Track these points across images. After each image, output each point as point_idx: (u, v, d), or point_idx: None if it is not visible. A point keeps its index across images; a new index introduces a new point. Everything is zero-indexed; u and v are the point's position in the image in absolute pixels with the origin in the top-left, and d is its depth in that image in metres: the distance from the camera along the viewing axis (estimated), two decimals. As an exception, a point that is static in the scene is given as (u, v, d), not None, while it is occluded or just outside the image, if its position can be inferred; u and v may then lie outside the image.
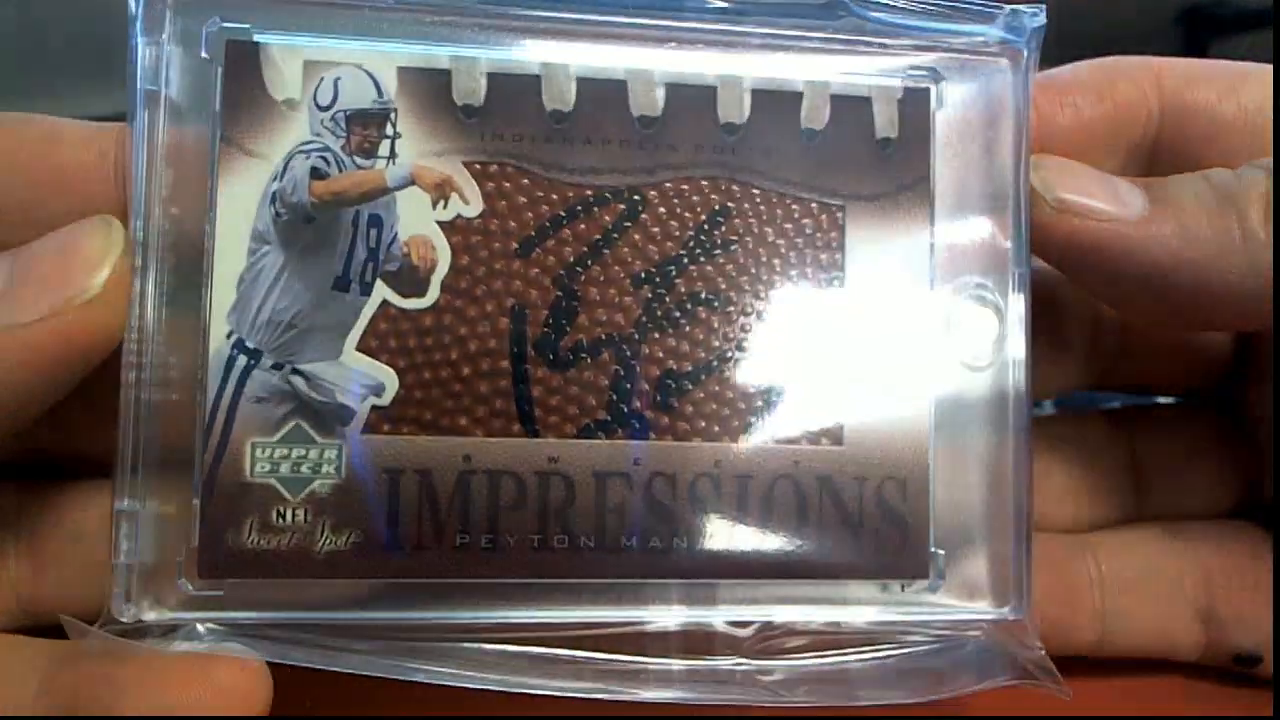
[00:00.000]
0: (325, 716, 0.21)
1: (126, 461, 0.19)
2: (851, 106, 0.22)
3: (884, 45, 0.22)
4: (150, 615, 0.19)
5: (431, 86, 0.21)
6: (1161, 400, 0.28)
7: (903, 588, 0.21)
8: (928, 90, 0.22)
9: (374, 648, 0.20)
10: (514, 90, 0.21)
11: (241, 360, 0.20)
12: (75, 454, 0.21)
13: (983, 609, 0.22)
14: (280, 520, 0.20)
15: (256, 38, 0.20)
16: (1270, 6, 0.46)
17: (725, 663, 0.21)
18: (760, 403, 0.21)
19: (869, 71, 0.22)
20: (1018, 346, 0.22)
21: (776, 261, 0.21)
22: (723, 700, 0.21)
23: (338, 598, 0.20)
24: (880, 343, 0.22)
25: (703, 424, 0.21)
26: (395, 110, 0.20)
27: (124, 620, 0.19)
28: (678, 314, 0.21)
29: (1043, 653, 0.21)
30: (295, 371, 0.20)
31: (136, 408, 0.19)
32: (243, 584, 0.20)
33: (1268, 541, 0.24)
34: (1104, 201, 0.21)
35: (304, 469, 0.20)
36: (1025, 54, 0.22)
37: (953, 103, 0.22)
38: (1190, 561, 0.24)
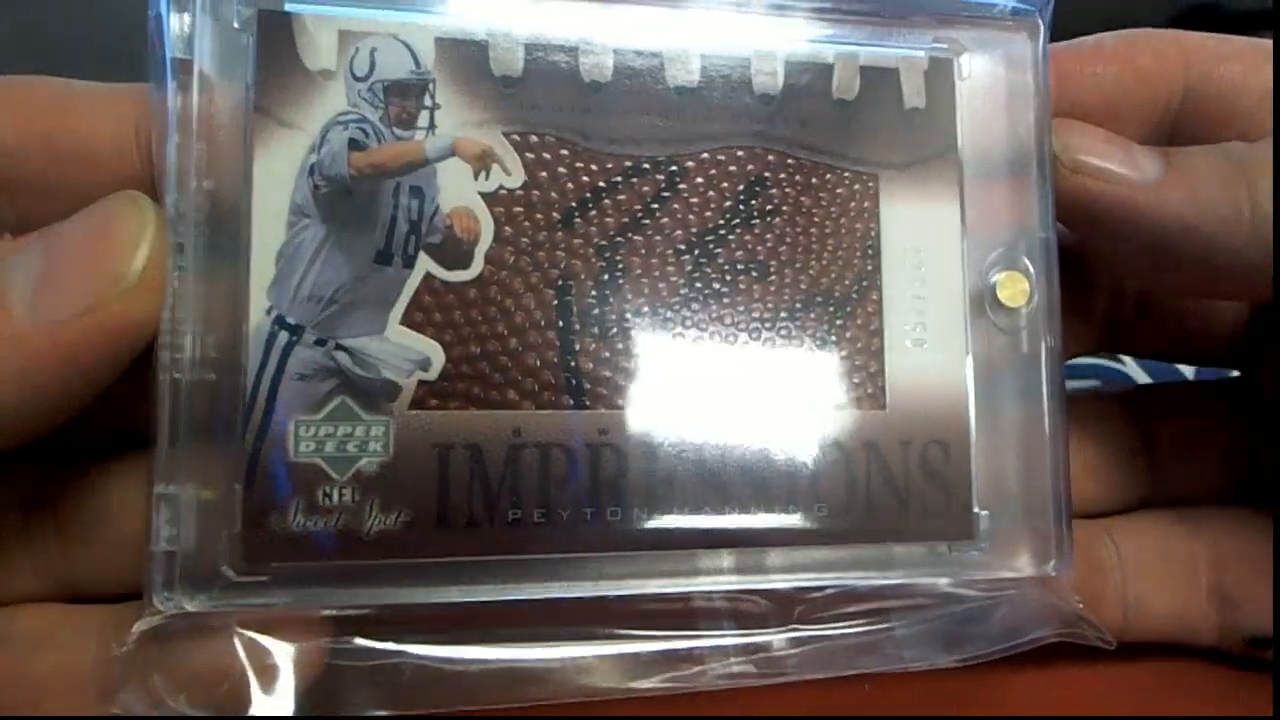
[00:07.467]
0: (350, 716, 0.20)
1: (164, 444, 0.18)
2: (880, 78, 0.22)
3: (907, 19, 0.22)
4: (191, 604, 0.18)
5: (469, 57, 0.20)
6: (1175, 379, 0.28)
7: (949, 549, 0.22)
8: (951, 61, 0.23)
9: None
10: (552, 61, 0.21)
11: (283, 336, 0.19)
12: (109, 429, 0.20)
13: (1027, 566, 0.22)
14: (327, 500, 0.19)
15: (289, 7, 0.20)
16: (1270, 6, 0.47)
17: (777, 634, 0.21)
18: (804, 370, 0.21)
19: (895, 44, 0.22)
20: (1047, 308, 0.22)
21: (814, 230, 0.22)
22: (775, 674, 0.20)
23: (387, 579, 0.19)
24: (917, 308, 0.22)
25: (749, 392, 0.21)
26: (434, 81, 0.20)
27: (164, 610, 0.18)
28: (719, 284, 0.21)
29: (1082, 607, 0.22)
30: (339, 347, 0.19)
31: (174, 389, 0.19)
32: (288, 568, 0.19)
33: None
34: (1118, 164, 0.21)
35: (350, 447, 0.19)
36: (1040, 23, 0.23)
37: (975, 73, 0.23)
38: (1203, 544, 0.24)
